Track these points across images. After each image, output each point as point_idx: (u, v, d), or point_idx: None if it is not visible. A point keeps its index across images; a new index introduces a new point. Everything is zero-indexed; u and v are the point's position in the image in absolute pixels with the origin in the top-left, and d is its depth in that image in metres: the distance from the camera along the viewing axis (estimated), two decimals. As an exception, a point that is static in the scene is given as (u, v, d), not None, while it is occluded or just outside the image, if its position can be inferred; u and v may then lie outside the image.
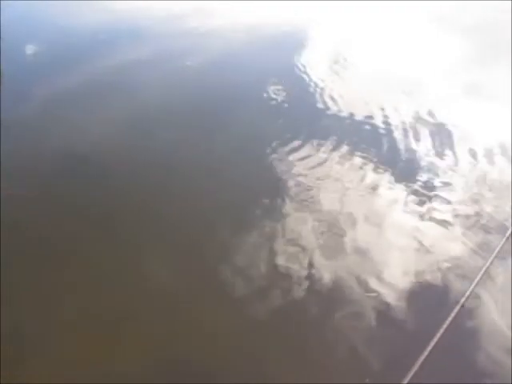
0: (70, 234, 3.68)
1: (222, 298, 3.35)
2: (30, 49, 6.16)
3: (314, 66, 6.35)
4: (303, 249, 3.76)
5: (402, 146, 5.05)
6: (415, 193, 4.43)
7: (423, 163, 4.83)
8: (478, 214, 4.28)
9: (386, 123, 5.34)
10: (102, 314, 3.17)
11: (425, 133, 5.27)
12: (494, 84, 6.18)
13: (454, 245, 3.97)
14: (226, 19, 7.54)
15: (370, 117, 5.42)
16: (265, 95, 5.59)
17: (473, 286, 3.25)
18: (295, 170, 4.52)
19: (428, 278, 3.67)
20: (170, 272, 3.47)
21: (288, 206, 4.13)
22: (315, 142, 4.91)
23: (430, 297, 3.56)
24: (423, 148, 5.05)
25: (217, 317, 3.24)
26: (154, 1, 8.03)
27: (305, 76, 6.12)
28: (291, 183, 4.38)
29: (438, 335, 3.14)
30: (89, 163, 4.31)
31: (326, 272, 3.61)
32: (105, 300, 3.26)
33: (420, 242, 3.96)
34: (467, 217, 4.25)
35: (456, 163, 4.89)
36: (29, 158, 4.34)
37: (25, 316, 3.13)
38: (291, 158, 4.67)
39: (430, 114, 5.58)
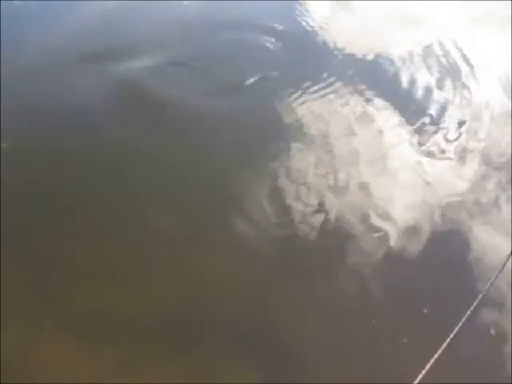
0: (71, 185, 3.62)
1: (229, 242, 3.36)
2: None
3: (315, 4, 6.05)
4: (309, 188, 3.75)
5: (407, 79, 4.90)
6: (420, 128, 4.36)
7: (429, 97, 4.72)
8: (483, 150, 4.25)
9: (392, 57, 5.16)
10: (103, 262, 3.18)
11: (432, 65, 5.11)
12: (504, 15, 5.87)
13: (458, 180, 3.97)
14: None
15: (375, 51, 5.21)
16: (265, 36, 5.34)
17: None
18: (298, 111, 4.42)
19: (434, 213, 3.69)
20: (175, 218, 3.46)
21: (293, 146, 4.07)
22: (319, 80, 4.75)
23: (435, 232, 3.59)
24: (430, 81, 4.91)
25: (223, 262, 3.25)
26: None
27: (306, 14, 5.84)
28: (295, 124, 4.29)
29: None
30: (87, 113, 4.16)
31: (333, 210, 3.62)
32: (107, 249, 3.26)
33: (424, 179, 3.95)
34: (472, 152, 4.22)
35: (463, 97, 4.77)
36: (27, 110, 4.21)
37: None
38: (295, 98, 4.53)
39: (440, 44, 5.38)
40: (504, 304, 3.24)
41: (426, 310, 3.15)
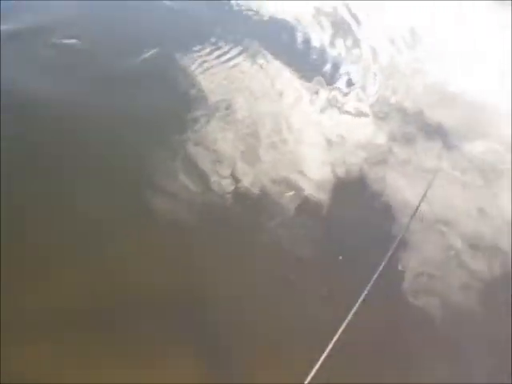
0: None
1: (151, 220, 3.25)
2: None
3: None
4: (220, 155, 3.72)
5: (302, 39, 4.99)
6: (327, 88, 4.50)
7: (324, 55, 4.87)
8: (392, 104, 4.53)
9: (287, 18, 5.21)
10: (28, 251, 2.96)
11: (324, 24, 5.25)
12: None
13: (369, 134, 4.19)
14: None
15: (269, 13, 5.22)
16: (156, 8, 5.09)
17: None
18: (199, 80, 4.31)
19: (348, 168, 3.87)
20: (97, 202, 3.26)
21: (198, 116, 3.98)
22: (216, 46, 4.66)
23: (347, 185, 3.78)
24: (323, 40, 5.05)
25: (143, 241, 3.14)
26: None
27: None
28: (198, 93, 4.18)
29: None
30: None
31: (246, 174, 3.64)
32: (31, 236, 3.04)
33: (329, 134, 4.10)
34: (381, 106, 4.48)
35: (354, 53, 5.00)
36: None
37: None
38: (194, 68, 4.42)
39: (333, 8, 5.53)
40: (418, 246, 3.54)
41: (340, 257, 3.31)
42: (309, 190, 3.64)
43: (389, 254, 2.53)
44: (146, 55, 4.38)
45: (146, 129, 3.82)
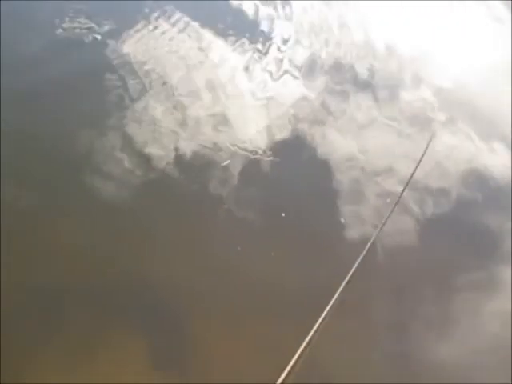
0: None
1: (88, 202, 3.21)
2: None
3: None
4: (159, 130, 3.69)
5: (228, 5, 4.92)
6: (258, 51, 4.50)
7: (256, 17, 4.84)
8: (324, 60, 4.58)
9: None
10: None
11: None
12: None
13: (302, 93, 4.23)
14: None
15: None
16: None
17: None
18: (131, 55, 4.19)
19: (284, 128, 3.93)
20: (32, 189, 3.19)
21: (132, 92, 3.90)
22: (144, 19, 4.52)
23: (290, 145, 3.86)
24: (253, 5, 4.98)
25: (85, 224, 3.11)
26: None
27: None
28: (131, 68, 4.08)
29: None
30: None
31: (187, 146, 3.65)
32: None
33: (270, 97, 4.14)
34: (312, 64, 4.52)
35: (286, 13, 4.99)
36: None
37: None
38: (126, 41, 4.29)
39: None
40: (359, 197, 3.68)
41: (283, 214, 3.41)
42: (249, 154, 3.69)
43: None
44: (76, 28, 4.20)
45: (79, 112, 3.68)
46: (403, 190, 3.65)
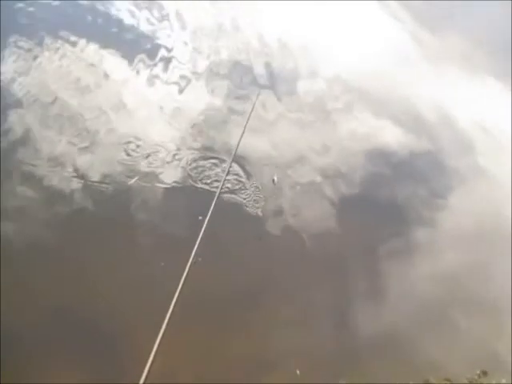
0: None
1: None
2: None
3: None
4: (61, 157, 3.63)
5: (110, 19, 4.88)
6: (148, 64, 4.51)
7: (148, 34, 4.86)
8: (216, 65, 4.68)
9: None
10: None
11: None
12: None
13: (208, 101, 4.29)
14: None
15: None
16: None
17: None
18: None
19: (194, 135, 4.01)
20: None
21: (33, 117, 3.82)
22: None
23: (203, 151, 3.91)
24: (135, 20, 4.98)
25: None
26: None
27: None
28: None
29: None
30: None
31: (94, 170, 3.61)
32: None
33: (173, 105, 4.18)
34: (212, 72, 4.61)
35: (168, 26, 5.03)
36: None
37: None
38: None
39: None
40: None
41: (200, 218, 3.23)
42: (162, 166, 3.72)
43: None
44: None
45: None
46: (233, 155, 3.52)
